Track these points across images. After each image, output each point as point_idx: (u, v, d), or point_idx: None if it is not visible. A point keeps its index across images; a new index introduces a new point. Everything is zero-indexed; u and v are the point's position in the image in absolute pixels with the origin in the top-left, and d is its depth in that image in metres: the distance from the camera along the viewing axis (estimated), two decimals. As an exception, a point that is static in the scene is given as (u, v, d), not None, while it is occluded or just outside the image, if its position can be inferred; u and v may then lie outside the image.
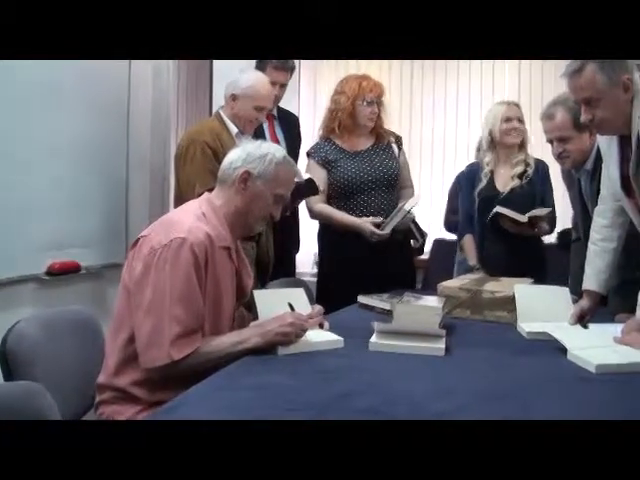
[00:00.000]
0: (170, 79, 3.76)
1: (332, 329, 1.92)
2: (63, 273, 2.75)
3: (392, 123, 4.74)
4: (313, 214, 2.97)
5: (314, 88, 5.01)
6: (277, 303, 1.89)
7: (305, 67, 4.83)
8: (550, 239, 3.15)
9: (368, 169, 2.90)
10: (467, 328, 2.11)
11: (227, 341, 1.68)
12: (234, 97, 2.77)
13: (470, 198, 3.03)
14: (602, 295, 2.21)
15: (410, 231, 2.90)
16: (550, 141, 2.56)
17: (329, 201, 2.94)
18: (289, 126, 3.41)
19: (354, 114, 2.90)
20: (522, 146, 2.96)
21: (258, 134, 3.14)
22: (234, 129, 2.79)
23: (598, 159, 2.31)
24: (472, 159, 3.65)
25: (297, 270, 3.58)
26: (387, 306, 2.17)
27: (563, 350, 1.75)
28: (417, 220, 3.01)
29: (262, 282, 2.76)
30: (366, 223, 2.79)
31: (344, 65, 4.93)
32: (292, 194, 2.43)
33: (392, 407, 1.30)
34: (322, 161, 2.92)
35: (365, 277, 2.69)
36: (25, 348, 1.63)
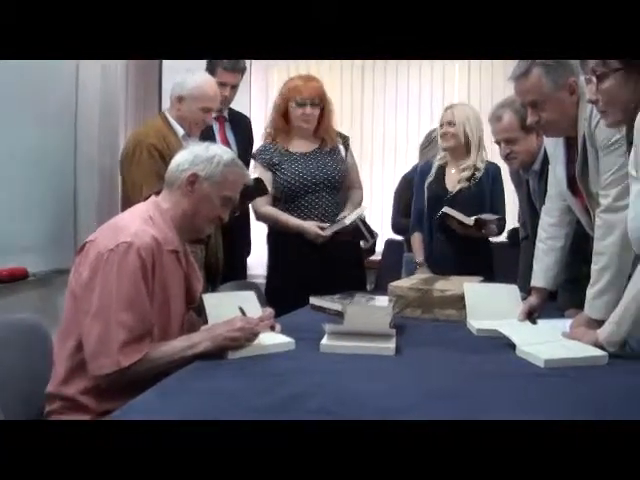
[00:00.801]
0: (118, 80, 3.69)
1: (283, 331, 1.91)
2: (11, 280, 2.67)
3: (343, 123, 4.80)
4: (259, 216, 2.97)
5: (266, 89, 4.99)
6: (227, 307, 1.87)
7: (256, 68, 4.81)
8: (501, 237, 3.20)
9: (312, 171, 2.89)
10: (418, 327, 2.12)
11: (177, 346, 1.66)
12: (180, 98, 2.73)
13: (423, 196, 3.07)
14: (550, 291, 2.26)
15: (359, 232, 2.90)
16: (498, 142, 2.61)
17: (275, 203, 2.93)
18: (240, 128, 3.39)
19: (287, 115, 2.90)
20: (468, 150, 2.99)
21: (208, 136, 3.11)
22: (180, 131, 2.75)
23: (545, 160, 2.36)
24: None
25: (250, 273, 3.56)
26: (338, 307, 2.17)
27: (512, 346, 1.77)
28: (367, 220, 3.03)
29: (212, 285, 2.74)
30: (311, 225, 2.80)
31: (295, 66, 4.93)
32: (241, 195, 2.42)
33: (343, 407, 1.30)
34: (267, 163, 2.91)
35: (314, 279, 2.69)
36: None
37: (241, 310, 1.85)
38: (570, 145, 2.10)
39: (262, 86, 4.91)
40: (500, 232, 3.04)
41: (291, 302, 2.44)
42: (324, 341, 1.78)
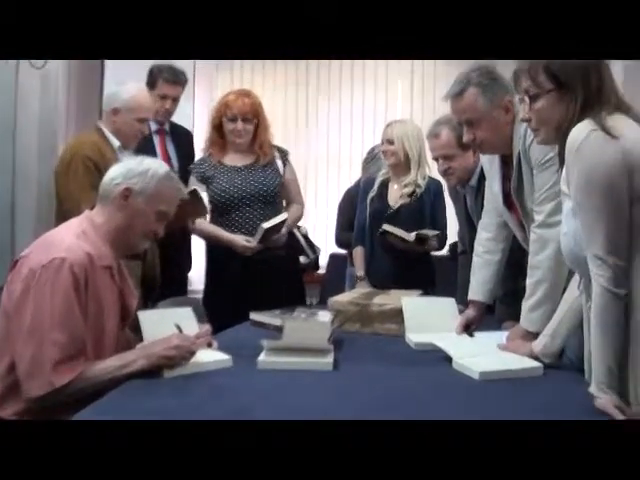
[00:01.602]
0: (59, 91, 3.62)
1: (221, 348, 1.89)
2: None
3: (288, 138, 4.81)
4: (192, 230, 2.94)
5: (209, 103, 4.95)
6: (163, 324, 1.84)
7: (200, 81, 4.78)
8: (442, 251, 3.24)
9: (245, 185, 2.87)
10: (357, 341, 2.13)
11: (111, 365, 1.62)
12: (115, 110, 2.69)
13: (365, 211, 3.10)
14: (488, 304, 2.30)
15: (300, 247, 2.90)
16: (436, 159, 2.66)
17: (210, 217, 2.92)
18: (181, 142, 3.37)
19: (221, 130, 2.90)
20: (410, 167, 3.02)
21: (149, 150, 3.07)
22: (116, 143, 2.71)
23: (482, 176, 2.41)
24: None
25: (192, 288, 3.52)
26: (278, 322, 2.15)
27: (449, 359, 1.80)
28: (312, 235, 3.04)
29: (152, 301, 2.69)
30: (238, 238, 2.79)
31: (239, 80, 4.94)
32: (183, 210, 2.39)
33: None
34: (200, 177, 2.90)
35: (251, 294, 2.68)
36: None
37: (177, 327, 1.82)
38: (505, 162, 2.15)
39: (205, 99, 4.87)
40: (441, 247, 3.08)
41: (231, 317, 2.41)
42: (261, 357, 1.77)
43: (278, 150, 3.03)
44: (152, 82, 3.21)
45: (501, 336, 2.02)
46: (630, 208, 1.43)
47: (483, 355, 1.84)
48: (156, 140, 3.26)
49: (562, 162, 1.55)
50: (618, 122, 1.47)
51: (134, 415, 1.33)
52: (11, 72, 3.08)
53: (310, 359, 1.73)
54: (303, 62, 5.01)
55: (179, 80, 3.27)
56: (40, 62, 3.27)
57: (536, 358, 1.77)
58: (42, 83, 3.39)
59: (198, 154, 3.44)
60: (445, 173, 2.65)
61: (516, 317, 2.05)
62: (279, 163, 2.99)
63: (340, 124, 5.02)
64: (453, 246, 3.25)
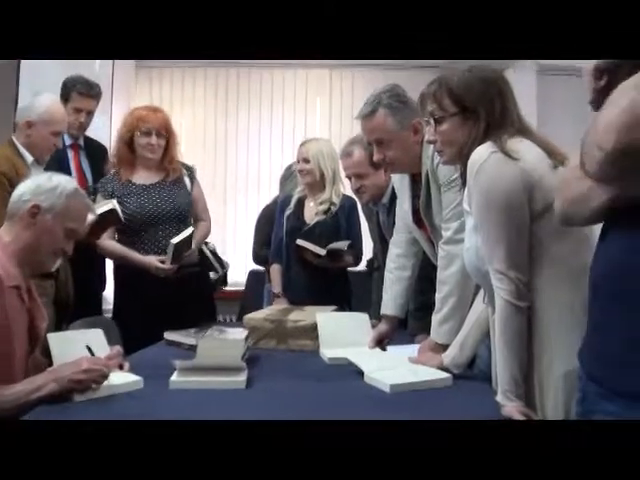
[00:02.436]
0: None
1: (134, 369, 1.85)
2: None
3: (207, 155, 4.79)
4: (99, 249, 2.81)
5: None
6: (73, 346, 1.80)
7: (117, 95, 4.69)
8: (361, 267, 3.29)
9: (157, 203, 2.80)
10: (272, 358, 2.14)
11: (21, 389, 1.56)
12: (29, 124, 2.62)
13: (282, 228, 3.12)
14: (401, 318, 2.36)
15: (208, 262, 2.88)
16: (349, 177, 2.71)
17: (118, 236, 2.82)
18: (96, 157, 3.29)
19: (132, 145, 2.82)
20: (323, 185, 3.04)
21: (62, 164, 3.00)
22: (29, 158, 2.63)
23: (394, 194, 2.47)
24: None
25: (106, 307, 3.43)
26: (193, 341, 2.14)
27: (362, 373, 1.83)
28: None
29: (65, 322, 2.61)
30: (151, 260, 2.71)
31: (157, 91, 4.90)
32: (96, 226, 2.34)
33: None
34: (108, 195, 2.79)
35: (162, 312, 2.62)
36: None
37: (89, 350, 1.78)
38: (415, 181, 2.22)
39: (123, 113, 4.78)
40: (357, 262, 3.13)
41: (144, 337, 2.37)
42: (174, 377, 1.75)
43: (184, 167, 2.97)
44: (66, 95, 3.13)
45: (413, 349, 2.08)
46: (531, 225, 1.51)
47: (394, 368, 1.88)
48: (70, 155, 3.18)
49: (465, 182, 1.62)
50: (518, 145, 1.55)
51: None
52: None
53: (223, 378, 1.73)
54: (223, 76, 5.00)
55: (93, 93, 3.20)
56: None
57: (446, 369, 1.83)
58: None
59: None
60: (358, 191, 2.71)
61: (428, 330, 2.10)
62: (187, 180, 2.93)
63: (260, 141, 5.04)
64: (371, 262, 3.31)
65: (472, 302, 1.91)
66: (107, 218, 2.62)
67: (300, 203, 3.11)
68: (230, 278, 4.75)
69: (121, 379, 1.76)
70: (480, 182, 1.52)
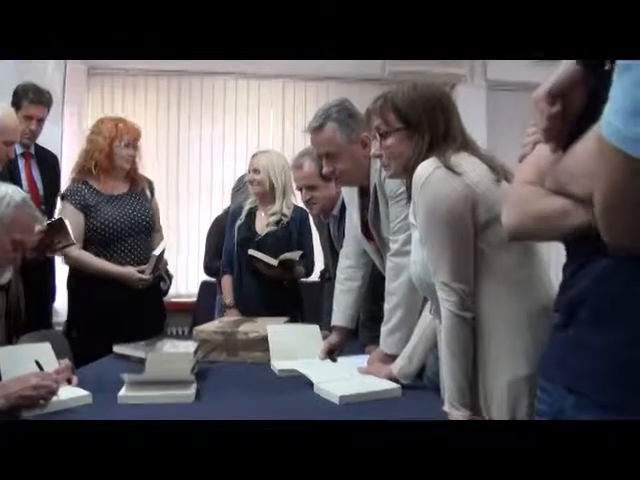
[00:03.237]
0: None
1: (83, 383, 1.83)
2: None
3: (159, 166, 4.76)
4: (69, 260, 2.80)
5: (79, 124, 4.81)
6: (23, 361, 1.77)
7: (69, 102, 4.63)
8: (313, 277, 3.31)
9: (129, 214, 2.83)
10: (222, 371, 2.13)
11: None
12: None
13: (233, 238, 3.12)
14: (351, 329, 2.38)
15: (160, 273, 2.89)
16: (299, 189, 2.74)
17: (87, 247, 2.80)
18: (47, 166, 3.26)
19: (111, 155, 2.81)
20: (274, 196, 3.06)
21: (13, 173, 2.95)
22: None
23: (344, 206, 2.50)
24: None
25: (57, 320, 3.38)
26: (142, 354, 2.12)
27: (312, 385, 1.85)
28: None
29: (16, 335, 2.56)
30: (130, 270, 2.74)
31: (109, 98, 4.85)
32: (47, 239, 2.30)
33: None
34: (80, 205, 2.77)
35: (118, 324, 2.61)
36: None
37: (38, 364, 1.75)
38: (363, 193, 2.26)
39: (74, 121, 4.73)
40: (308, 273, 3.15)
41: (98, 350, 2.34)
42: (122, 392, 1.74)
43: (145, 180, 3.01)
44: (17, 103, 3.09)
45: (363, 360, 2.11)
46: (475, 237, 1.55)
47: (344, 379, 1.90)
48: (21, 164, 3.13)
49: (410, 196, 1.66)
50: (462, 160, 1.59)
51: None
52: None
53: (171, 392, 1.72)
54: (176, 85, 4.98)
55: (44, 100, 3.17)
56: None
57: (395, 380, 1.86)
58: None
59: (65, 178, 3.35)
60: (308, 202, 2.74)
61: (378, 341, 2.12)
62: (148, 192, 2.98)
63: (212, 151, 5.02)
64: (323, 272, 3.33)
65: (420, 313, 1.95)
66: (55, 229, 2.58)
67: (251, 214, 3.12)
68: (182, 289, 4.78)
69: (69, 394, 1.74)
70: (424, 196, 1.56)
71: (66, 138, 4.46)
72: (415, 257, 1.69)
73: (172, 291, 4.39)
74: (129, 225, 2.82)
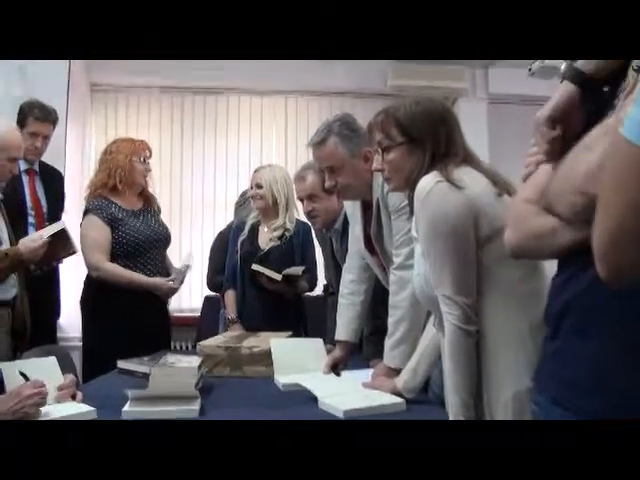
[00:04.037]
0: None
1: (86, 400, 1.84)
2: None
3: (162, 181, 4.77)
4: (101, 272, 2.79)
5: (82, 141, 4.85)
6: (30, 375, 1.77)
7: (72, 120, 4.65)
8: (317, 292, 3.32)
9: (152, 228, 2.93)
10: (226, 386, 2.13)
11: None
12: None
13: (236, 253, 3.12)
14: (355, 343, 2.38)
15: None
16: (301, 199, 2.75)
17: (112, 260, 2.83)
18: (51, 183, 3.28)
19: (132, 171, 2.88)
20: (277, 211, 3.07)
21: (18, 191, 2.97)
22: None
23: (347, 220, 2.51)
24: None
25: (61, 335, 3.39)
26: (146, 369, 2.12)
27: (316, 399, 1.84)
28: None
29: (21, 351, 2.57)
30: (161, 280, 2.83)
31: (113, 116, 4.88)
32: (52, 249, 2.31)
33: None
34: (107, 219, 2.82)
35: (126, 339, 2.63)
36: None
37: (23, 375, 1.76)
38: (366, 208, 2.27)
39: (79, 137, 4.75)
40: (312, 288, 3.16)
41: (109, 365, 2.38)
42: (126, 407, 1.73)
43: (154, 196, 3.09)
44: (22, 120, 3.12)
45: (367, 374, 2.10)
46: (477, 251, 1.55)
47: (348, 393, 1.89)
48: (25, 180, 3.16)
49: (412, 210, 1.67)
50: (464, 174, 1.60)
51: None
52: None
53: (175, 407, 1.72)
54: (179, 102, 5.01)
55: (50, 118, 3.20)
56: None
57: (400, 394, 1.85)
58: None
59: (70, 195, 3.37)
60: (310, 214, 2.75)
61: (382, 355, 2.11)
62: (157, 209, 3.07)
63: (215, 167, 5.03)
64: (327, 287, 3.33)
65: (424, 326, 1.95)
66: (59, 240, 2.59)
67: (254, 229, 3.13)
68: (186, 304, 4.77)
69: (74, 409, 1.75)
70: (426, 210, 1.57)
71: (69, 155, 4.47)
72: (418, 271, 1.70)
73: (175, 306, 4.48)
74: (153, 238, 2.91)
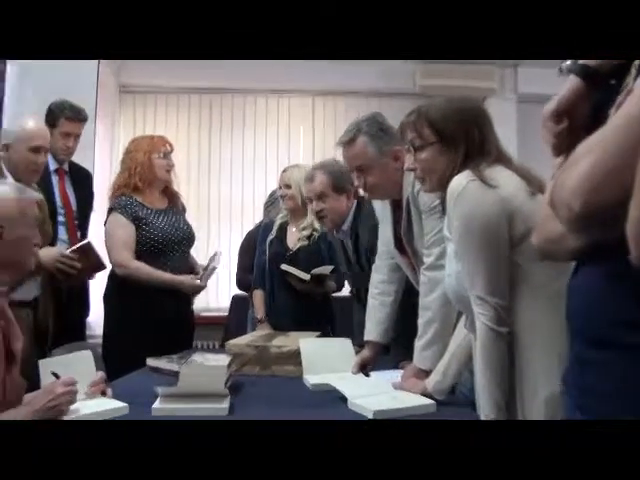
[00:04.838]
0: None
1: (118, 395, 1.85)
2: None
3: (191, 181, 4.80)
4: (128, 271, 2.78)
5: (111, 142, 4.89)
6: (63, 371, 1.77)
7: (101, 120, 4.70)
8: (345, 292, 3.30)
9: (177, 227, 2.90)
10: (255, 384, 2.13)
11: None
12: (7, 147, 2.60)
13: (265, 253, 3.13)
14: (384, 344, 2.36)
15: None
16: (309, 199, 2.76)
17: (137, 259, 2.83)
18: (81, 182, 3.30)
19: (152, 168, 2.87)
20: (306, 211, 3.06)
21: (48, 190, 3.00)
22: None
23: (355, 221, 2.57)
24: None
25: (90, 332, 3.41)
26: (176, 368, 2.12)
27: (345, 399, 1.83)
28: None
29: (48, 349, 2.59)
30: (188, 278, 2.83)
31: (141, 116, 4.92)
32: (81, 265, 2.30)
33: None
34: (132, 217, 2.81)
35: (151, 338, 2.63)
36: None
37: (55, 375, 1.76)
38: (396, 207, 2.24)
39: (107, 137, 4.80)
40: (340, 287, 3.15)
41: (132, 363, 2.38)
42: (156, 405, 1.74)
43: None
44: (53, 120, 3.14)
45: (396, 375, 2.08)
46: (510, 251, 1.53)
47: (378, 394, 1.88)
48: (54, 180, 3.17)
49: (445, 209, 1.65)
50: (497, 173, 1.58)
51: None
52: None
53: (205, 405, 1.72)
54: (207, 103, 5.04)
55: (81, 117, 3.22)
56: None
57: (430, 395, 1.83)
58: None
59: (100, 194, 3.39)
60: (319, 214, 2.73)
61: (410, 356, 2.10)
62: (181, 207, 3.06)
63: (243, 167, 5.05)
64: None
65: (455, 327, 1.93)
66: (85, 256, 2.61)
67: (283, 229, 3.13)
68: (213, 303, 4.80)
69: (106, 405, 1.76)
70: (459, 209, 1.55)
71: (97, 156, 4.52)
72: (450, 271, 1.68)
73: (202, 305, 4.49)
74: (178, 238, 2.89)
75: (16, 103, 3.66)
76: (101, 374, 1.91)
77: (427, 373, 1.94)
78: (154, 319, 2.70)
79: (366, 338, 2.32)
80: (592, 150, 0.86)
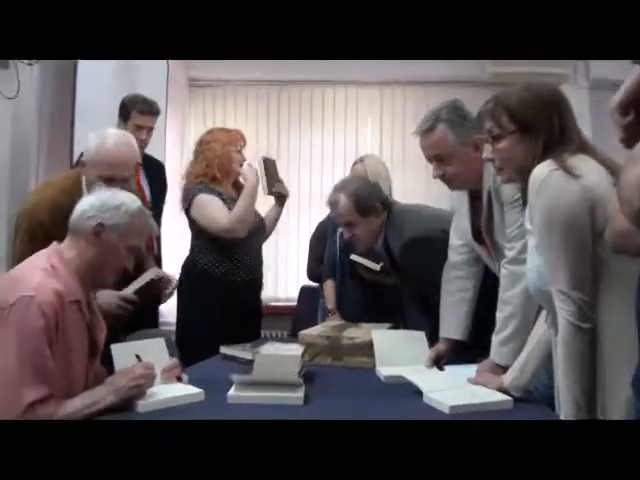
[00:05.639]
0: (33, 118, 3.59)
1: (192, 381, 1.88)
2: None
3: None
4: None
5: (182, 134, 4.98)
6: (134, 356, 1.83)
7: (171, 114, 4.79)
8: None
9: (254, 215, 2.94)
10: (328, 375, 2.13)
11: (81, 403, 1.58)
12: (82, 164, 2.33)
13: (335, 244, 3.13)
14: (463, 341, 2.30)
15: None
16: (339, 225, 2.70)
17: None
18: (155, 174, 3.36)
19: (230, 160, 2.91)
20: None
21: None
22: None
23: (386, 238, 2.53)
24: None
25: (162, 320, 3.49)
26: (249, 356, 2.14)
27: (419, 393, 1.81)
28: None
29: (123, 333, 2.65)
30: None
31: (211, 109, 5.00)
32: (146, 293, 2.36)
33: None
34: (226, 202, 2.85)
35: (219, 326, 2.67)
36: None
37: (137, 357, 1.82)
38: (474, 197, 2.18)
39: (177, 130, 4.89)
40: None
41: (205, 351, 2.42)
42: (231, 392, 1.76)
43: None
44: (125, 114, 3.20)
45: (471, 370, 2.04)
46: (593, 244, 1.48)
47: (453, 389, 1.85)
48: (130, 172, 3.25)
49: (525, 201, 1.60)
50: (580, 162, 1.52)
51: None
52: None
53: (280, 393, 1.73)
54: (275, 95, 5.06)
55: (153, 110, 3.27)
56: (12, 92, 3.25)
57: (506, 392, 1.79)
58: (13, 115, 3.37)
59: (171, 188, 3.46)
60: (351, 239, 2.66)
61: (484, 352, 2.04)
62: None
63: (311, 158, 5.05)
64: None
65: (534, 323, 1.87)
66: (151, 288, 2.50)
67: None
68: (282, 293, 4.85)
69: (183, 391, 1.80)
70: (541, 200, 1.51)
71: (168, 149, 4.61)
72: (531, 265, 1.63)
73: (271, 295, 4.56)
74: (254, 227, 2.91)
75: (87, 102, 3.72)
76: (175, 360, 1.95)
77: (504, 368, 1.90)
78: (225, 306, 2.74)
79: (444, 335, 2.27)
80: None
